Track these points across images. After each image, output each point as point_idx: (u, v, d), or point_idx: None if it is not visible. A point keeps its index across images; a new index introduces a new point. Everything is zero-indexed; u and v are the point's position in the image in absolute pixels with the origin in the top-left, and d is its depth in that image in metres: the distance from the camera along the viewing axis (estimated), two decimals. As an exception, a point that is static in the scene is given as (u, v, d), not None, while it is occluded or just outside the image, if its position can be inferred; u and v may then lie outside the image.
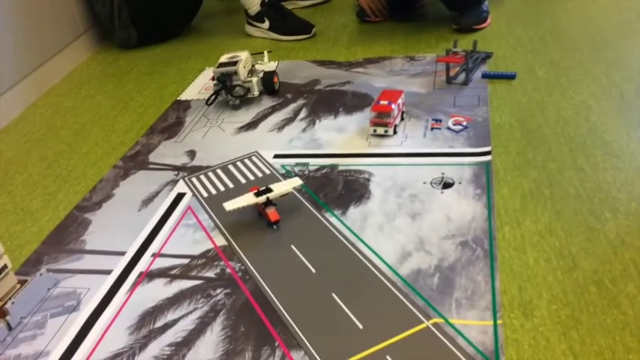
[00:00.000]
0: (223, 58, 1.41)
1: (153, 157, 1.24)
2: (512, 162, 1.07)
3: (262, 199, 0.97)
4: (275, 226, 0.97)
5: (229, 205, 0.97)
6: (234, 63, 1.38)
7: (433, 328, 0.75)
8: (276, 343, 0.76)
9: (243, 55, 1.41)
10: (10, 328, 0.84)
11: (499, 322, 0.75)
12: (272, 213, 0.97)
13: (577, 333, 0.73)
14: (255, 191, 0.99)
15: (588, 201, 0.95)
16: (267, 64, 1.54)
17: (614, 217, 0.91)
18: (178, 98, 1.51)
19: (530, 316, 0.76)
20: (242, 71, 1.38)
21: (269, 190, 0.98)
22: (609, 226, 0.89)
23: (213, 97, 1.39)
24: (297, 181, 1.02)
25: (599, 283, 0.79)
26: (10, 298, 0.85)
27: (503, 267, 0.84)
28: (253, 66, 1.45)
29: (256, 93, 1.41)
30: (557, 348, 0.71)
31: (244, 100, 1.41)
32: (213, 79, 1.42)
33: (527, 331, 0.74)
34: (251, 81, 1.39)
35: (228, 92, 1.37)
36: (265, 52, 1.51)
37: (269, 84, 1.43)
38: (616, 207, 0.93)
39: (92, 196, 1.14)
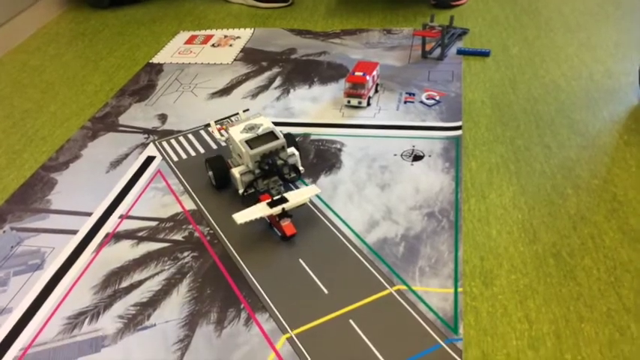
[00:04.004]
0: (238, 133, 0.93)
1: (123, 120, 1.22)
2: (482, 137, 1.09)
3: (277, 210, 0.86)
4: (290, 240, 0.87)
5: (240, 218, 0.84)
6: (272, 134, 0.92)
7: (396, 294, 0.77)
8: (242, 306, 0.77)
9: (264, 120, 0.96)
10: (-29, 285, 0.83)
11: (460, 289, 0.77)
12: (287, 226, 0.86)
13: (533, 302, 0.75)
14: (269, 201, 0.87)
15: (552, 177, 0.97)
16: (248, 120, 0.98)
17: (575, 193, 0.93)
18: (151, 61, 1.48)
19: (490, 285, 0.78)
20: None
21: (284, 200, 0.87)
22: (570, 202, 0.92)
23: (251, 189, 0.94)
24: (315, 190, 0.90)
25: (557, 256, 0.82)
26: (-29, 255, 0.83)
27: (467, 238, 0.86)
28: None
29: (302, 168, 0.99)
30: (513, 315, 0.74)
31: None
32: (221, 129, 1.03)
33: (487, 299, 0.76)
34: (294, 154, 0.96)
35: (280, 177, 0.93)
36: (241, 112, 1.09)
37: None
38: (578, 184, 0.95)
39: (59, 156, 1.12)
